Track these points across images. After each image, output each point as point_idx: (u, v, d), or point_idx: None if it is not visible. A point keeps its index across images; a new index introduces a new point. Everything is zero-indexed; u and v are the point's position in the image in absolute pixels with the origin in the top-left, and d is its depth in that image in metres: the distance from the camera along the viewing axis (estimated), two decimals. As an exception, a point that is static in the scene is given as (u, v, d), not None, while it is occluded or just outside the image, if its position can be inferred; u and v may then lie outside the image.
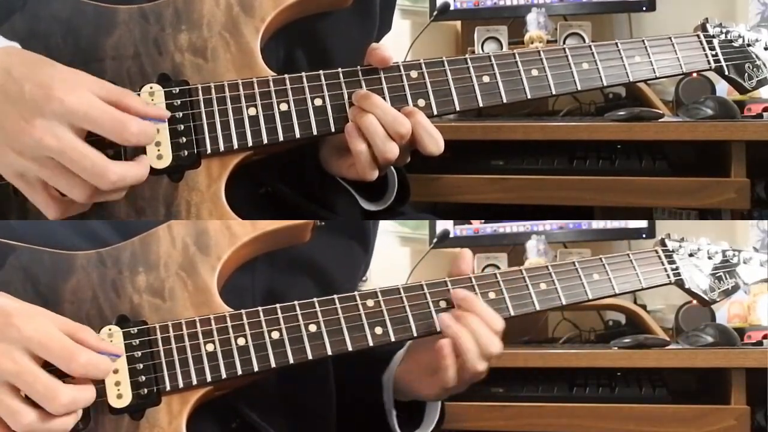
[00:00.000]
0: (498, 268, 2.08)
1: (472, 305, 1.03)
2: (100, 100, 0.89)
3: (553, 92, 1.07)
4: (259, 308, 0.99)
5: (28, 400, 0.86)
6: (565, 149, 1.88)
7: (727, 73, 1.16)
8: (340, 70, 1.02)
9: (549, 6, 2.10)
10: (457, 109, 1.04)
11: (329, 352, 0.99)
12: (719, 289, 1.22)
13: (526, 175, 1.86)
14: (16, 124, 0.87)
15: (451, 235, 2.11)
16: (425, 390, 1.09)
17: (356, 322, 1.01)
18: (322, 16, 1.08)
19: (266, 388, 1.04)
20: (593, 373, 1.90)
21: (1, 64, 0.89)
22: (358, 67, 1.02)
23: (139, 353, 0.95)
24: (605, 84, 1.09)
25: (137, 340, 0.95)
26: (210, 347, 0.97)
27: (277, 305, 0.99)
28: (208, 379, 0.96)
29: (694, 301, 1.69)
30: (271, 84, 1.00)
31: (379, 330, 1.02)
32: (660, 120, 1.84)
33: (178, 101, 0.98)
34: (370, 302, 1.03)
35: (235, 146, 0.98)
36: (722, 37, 1.16)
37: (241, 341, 0.97)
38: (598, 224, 2.13)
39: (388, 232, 2.35)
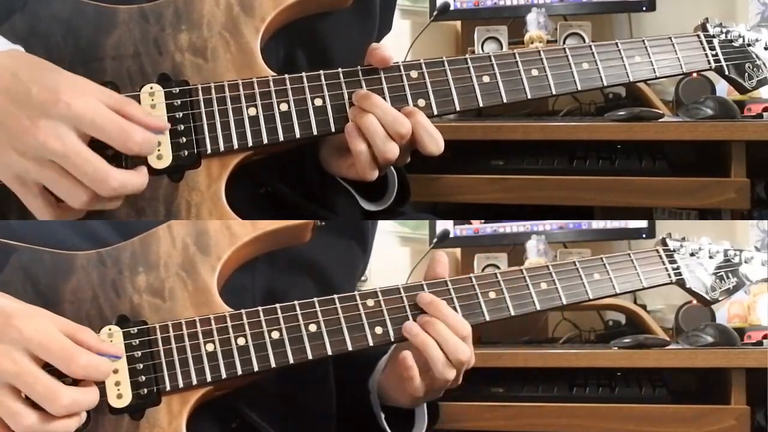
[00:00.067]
0: (498, 268, 2.08)
1: (438, 311, 1.03)
2: (106, 107, 0.89)
3: (553, 92, 1.07)
4: (259, 308, 0.99)
5: (29, 402, 0.86)
6: (565, 149, 1.88)
7: (727, 73, 1.16)
8: (340, 70, 1.02)
9: (549, 6, 2.10)
10: (458, 109, 1.04)
11: (329, 352, 1.00)
12: (721, 288, 1.22)
13: (526, 175, 1.86)
14: (20, 124, 0.87)
15: (451, 235, 2.11)
16: (400, 398, 1.09)
17: (356, 322, 1.01)
18: (322, 16, 1.08)
19: (266, 388, 1.04)
20: (593, 373, 1.90)
21: (8, 66, 0.89)
22: (359, 67, 1.02)
23: (139, 353, 0.95)
24: (605, 84, 1.09)
25: (137, 340, 0.95)
26: (210, 347, 0.97)
27: (277, 305, 0.99)
28: (208, 379, 0.96)
29: (694, 301, 1.69)
30: (271, 84, 1.00)
31: (379, 330, 1.02)
32: (660, 120, 1.84)
33: (178, 101, 0.98)
34: (370, 302, 1.03)
35: (236, 146, 0.98)
36: (722, 37, 1.16)
37: (241, 341, 0.97)
38: (598, 224, 2.13)
39: (388, 232, 2.35)
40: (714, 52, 1.15)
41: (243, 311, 0.98)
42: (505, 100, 1.05)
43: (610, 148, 1.88)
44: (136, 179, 0.92)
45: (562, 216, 2.10)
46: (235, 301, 1.00)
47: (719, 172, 1.82)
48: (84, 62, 0.97)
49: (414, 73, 1.03)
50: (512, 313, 1.07)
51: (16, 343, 0.86)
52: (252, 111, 0.99)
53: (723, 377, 1.82)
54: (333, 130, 1.01)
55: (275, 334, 0.98)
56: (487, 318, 1.06)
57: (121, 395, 0.93)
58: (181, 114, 0.98)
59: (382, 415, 1.11)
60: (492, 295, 1.07)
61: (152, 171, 0.96)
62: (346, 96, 1.01)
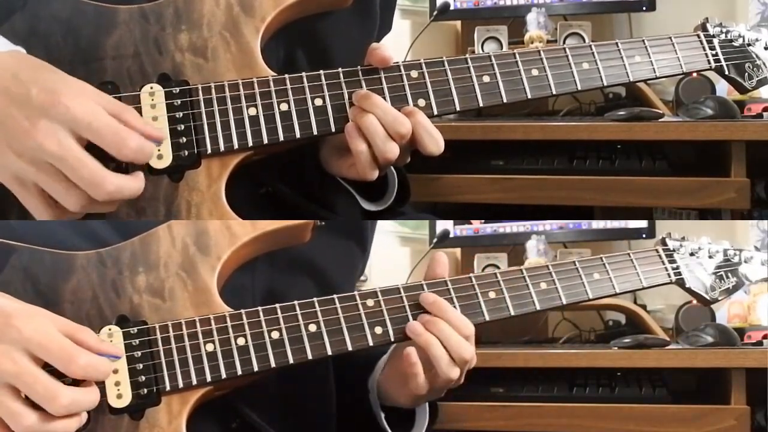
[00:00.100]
0: (498, 268, 2.08)
1: (441, 310, 1.03)
2: (104, 111, 0.89)
3: (554, 92, 1.07)
4: (259, 308, 0.99)
5: (29, 402, 0.86)
6: (565, 149, 1.88)
7: (727, 72, 1.16)
8: (340, 70, 1.02)
9: (549, 6, 2.10)
10: (458, 108, 1.04)
11: (329, 352, 0.99)
12: (720, 288, 1.22)
13: (526, 175, 1.86)
14: (19, 125, 0.87)
15: (451, 235, 2.11)
16: (400, 397, 1.09)
17: (356, 322, 1.01)
18: (322, 16, 1.08)
19: (266, 388, 1.04)
20: (593, 373, 1.90)
21: (8, 67, 0.89)
22: (359, 67, 1.02)
23: (139, 353, 0.95)
24: (605, 84, 1.09)
25: (137, 340, 0.95)
26: (210, 347, 0.97)
27: (277, 305, 0.99)
28: (208, 379, 0.96)
29: (694, 301, 1.69)
30: (272, 84, 1.00)
31: (379, 330, 1.02)
32: (660, 120, 1.84)
33: (179, 101, 0.98)
34: (370, 302, 1.03)
35: (236, 146, 0.98)
36: (722, 36, 1.16)
37: (241, 341, 0.97)
38: (598, 224, 2.13)
39: (388, 232, 2.35)
40: (714, 52, 1.15)
41: (243, 311, 0.98)
42: (505, 100, 1.05)
43: (610, 148, 1.88)
44: (131, 184, 0.92)
45: (562, 216, 2.09)
46: (235, 301, 1.00)
47: (719, 172, 1.82)
48: (84, 62, 0.97)
49: (414, 73, 1.03)
50: (512, 313, 1.07)
51: (16, 343, 0.86)
52: (252, 111, 0.99)
53: (723, 377, 1.82)
54: (333, 130, 1.01)
55: (275, 334, 0.98)
56: (487, 318, 1.06)
57: (120, 395, 0.93)
58: (181, 114, 0.98)
59: (382, 415, 1.11)
60: (492, 295, 1.07)
61: (152, 171, 0.96)
62: (346, 96, 1.01)
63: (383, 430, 1.10)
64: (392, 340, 1.02)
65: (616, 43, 1.10)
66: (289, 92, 1.00)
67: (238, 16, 1.01)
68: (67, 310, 0.95)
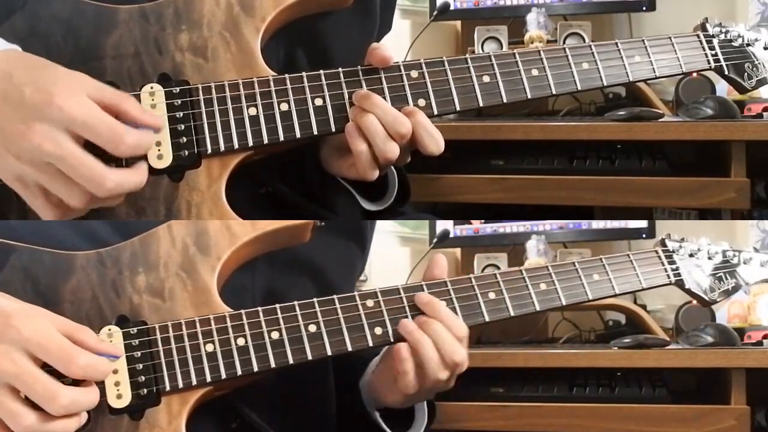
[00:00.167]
0: (498, 268, 2.08)
1: (435, 311, 1.02)
2: (99, 108, 0.89)
3: (553, 92, 1.07)
4: (259, 308, 0.99)
5: (29, 402, 0.86)
6: (565, 149, 1.88)
7: (726, 72, 1.16)
8: (340, 69, 1.02)
9: (549, 6, 2.10)
10: (458, 108, 1.04)
11: (329, 353, 0.99)
12: (719, 289, 1.22)
13: (526, 175, 1.86)
14: (15, 128, 0.87)
15: (451, 235, 2.11)
16: (389, 396, 1.08)
17: (356, 322, 1.01)
18: (322, 16, 1.08)
19: (266, 388, 1.04)
20: (593, 373, 1.90)
21: (3, 67, 0.89)
22: (359, 66, 1.02)
23: (139, 353, 0.95)
24: (605, 84, 1.09)
25: (137, 341, 0.95)
26: (210, 347, 0.97)
27: (277, 305, 0.99)
28: (208, 379, 0.96)
29: (694, 301, 1.69)
30: (272, 84, 1.00)
31: (378, 330, 1.02)
32: (660, 120, 1.84)
33: (179, 101, 0.98)
34: (369, 302, 1.03)
35: (236, 146, 0.98)
36: (722, 36, 1.16)
37: (241, 341, 0.97)
38: (598, 224, 2.13)
39: (388, 232, 2.35)
40: (713, 52, 1.15)
41: (243, 311, 0.98)
42: (505, 100, 1.05)
43: (610, 148, 1.88)
44: (133, 178, 0.92)
45: (562, 216, 2.09)
46: (235, 301, 1.00)
47: (719, 172, 1.82)
48: (84, 62, 0.97)
49: (414, 73, 1.03)
50: (512, 314, 1.07)
51: (15, 344, 0.86)
52: (252, 111, 0.99)
53: (723, 377, 1.82)
54: (333, 129, 1.01)
55: (275, 335, 0.98)
56: (487, 318, 1.06)
57: (120, 395, 0.93)
58: (181, 114, 0.98)
59: (377, 414, 1.10)
60: (492, 295, 1.07)
61: (152, 171, 0.96)
62: (346, 96, 1.01)
63: (381, 430, 1.10)
64: (392, 340, 1.02)
65: (616, 43, 1.10)
66: (290, 92, 1.00)
67: (239, 16, 1.01)
68: (66, 310, 0.95)
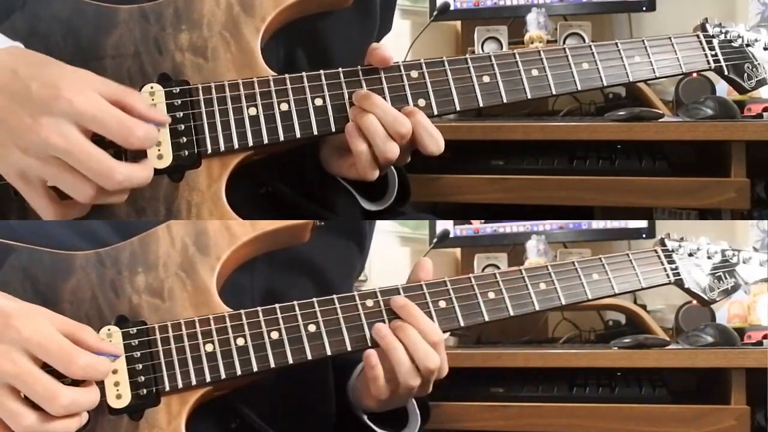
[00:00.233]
0: (498, 268, 2.08)
1: (409, 315, 1.02)
2: (106, 101, 0.89)
3: (553, 92, 1.07)
4: (259, 308, 0.99)
5: (29, 402, 0.86)
6: (565, 149, 1.88)
7: (726, 73, 1.16)
8: (340, 69, 1.02)
9: (549, 6, 2.10)
10: (458, 109, 1.04)
11: (328, 352, 1.00)
12: (719, 288, 1.22)
13: (526, 175, 1.86)
14: (22, 122, 0.87)
15: (451, 235, 2.11)
16: (366, 400, 1.08)
17: (355, 322, 1.01)
18: (322, 16, 1.08)
19: (266, 388, 1.04)
20: (593, 373, 1.90)
21: (7, 63, 0.89)
22: (359, 66, 1.03)
23: (138, 353, 0.95)
24: (605, 84, 1.09)
25: (136, 341, 0.95)
26: (209, 347, 0.97)
27: (277, 305, 0.99)
28: (208, 379, 0.96)
29: (694, 301, 1.68)
30: (272, 84, 1.00)
31: (378, 330, 1.02)
32: (660, 120, 1.84)
33: (179, 101, 0.98)
34: (369, 302, 1.03)
35: (236, 146, 0.98)
36: (722, 37, 1.16)
37: (240, 341, 0.97)
38: (598, 224, 2.13)
39: (388, 232, 2.35)
40: (713, 53, 1.15)
41: (242, 311, 0.98)
42: (505, 100, 1.05)
43: (610, 148, 1.88)
44: (141, 172, 0.92)
45: (562, 216, 2.09)
46: (235, 301, 1.00)
47: (719, 172, 1.82)
48: (84, 62, 0.97)
49: (414, 73, 1.03)
50: (511, 314, 1.07)
51: (15, 344, 0.86)
52: (252, 111, 0.99)
53: (723, 377, 1.82)
54: (333, 129, 1.01)
55: (274, 335, 0.98)
56: (486, 318, 1.06)
57: (120, 395, 0.94)
58: (181, 114, 0.98)
59: (365, 416, 1.10)
60: (491, 295, 1.07)
61: (152, 171, 0.96)
62: (346, 96, 1.01)
63: (372, 430, 1.10)
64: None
65: (616, 44, 1.10)
66: (290, 92, 1.00)
67: (239, 16, 1.01)
68: (66, 310, 0.95)
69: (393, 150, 1.00)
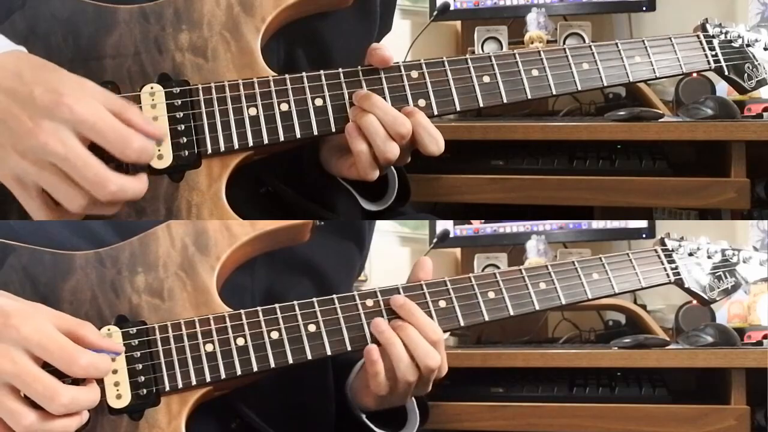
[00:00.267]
0: (498, 268, 2.08)
1: (409, 314, 1.02)
2: (108, 111, 0.89)
3: (554, 92, 1.07)
4: (258, 308, 0.99)
5: (29, 401, 0.86)
6: (565, 149, 1.88)
7: (726, 73, 1.16)
8: (340, 70, 1.02)
9: (549, 6, 2.10)
10: (458, 109, 1.04)
11: (328, 352, 1.00)
12: (719, 288, 1.22)
13: (526, 175, 1.85)
14: (22, 125, 0.87)
15: (451, 235, 2.11)
16: (365, 398, 1.08)
17: (355, 321, 1.01)
18: (322, 16, 1.08)
19: (266, 388, 1.04)
20: (593, 373, 1.90)
21: (11, 67, 0.89)
22: (359, 67, 1.03)
23: (138, 353, 0.95)
24: (605, 84, 1.09)
25: (136, 341, 0.95)
26: (209, 347, 0.97)
27: (277, 305, 1.00)
28: (208, 379, 0.96)
29: (694, 301, 1.68)
30: (272, 84, 1.00)
31: (378, 330, 1.02)
32: (660, 120, 1.84)
33: (179, 101, 0.98)
34: (369, 302, 1.03)
35: (236, 146, 0.98)
36: (722, 37, 1.16)
37: (240, 341, 0.97)
38: (598, 224, 2.13)
39: (388, 232, 2.35)
40: (714, 53, 1.15)
41: (242, 311, 0.98)
42: (505, 100, 1.05)
43: (610, 148, 1.88)
44: (135, 185, 0.92)
45: (562, 216, 2.09)
46: (235, 301, 1.00)
47: (719, 172, 1.82)
48: (84, 62, 0.97)
49: (414, 73, 1.03)
50: (511, 313, 1.07)
51: (15, 343, 0.86)
52: (252, 111, 0.99)
53: (723, 377, 1.82)
54: (333, 130, 1.01)
55: (274, 335, 0.98)
56: (486, 318, 1.06)
57: (120, 395, 0.94)
58: (181, 114, 0.98)
59: (363, 416, 1.10)
60: (491, 295, 1.07)
61: (153, 171, 0.96)
62: (346, 96, 1.01)
63: (370, 430, 1.10)
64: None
65: (616, 44, 1.10)
66: (290, 92, 1.00)
67: (239, 16, 1.01)
68: (66, 310, 0.95)
69: (393, 150, 1.00)
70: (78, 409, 0.88)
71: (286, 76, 1.01)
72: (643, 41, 1.11)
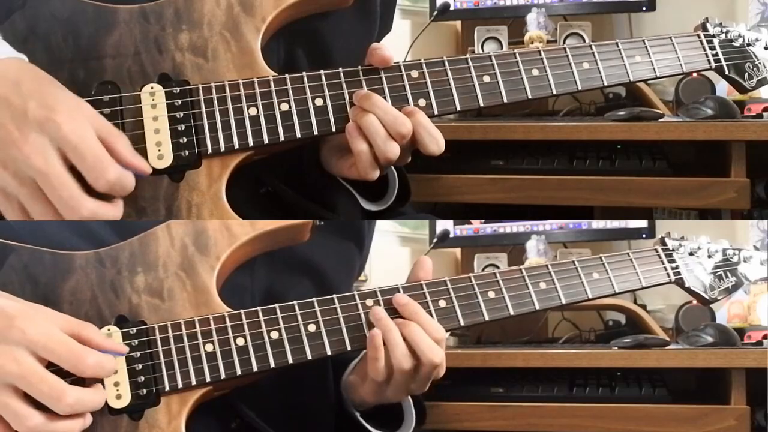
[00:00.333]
0: (498, 268, 2.08)
1: (412, 313, 1.02)
2: (95, 136, 0.89)
3: (554, 92, 1.07)
4: (258, 308, 0.99)
5: (32, 403, 0.86)
6: (565, 149, 1.88)
7: (727, 72, 1.16)
8: (340, 69, 1.02)
9: (549, 6, 2.10)
10: (458, 108, 1.04)
11: (328, 352, 1.00)
12: (720, 287, 1.22)
13: (526, 175, 1.85)
14: (9, 135, 0.87)
15: (451, 235, 2.11)
16: (361, 392, 1.08)
17: (355, 321, 1.01)
18: (322, 16, 1.08)
19: (265, 388, 1.04)
20: (593, 373, 1.90)
21: (12, 75, 0.89)
22: (359, 66, 1.02)
23: (138, 354, 0.95)
24: (606, 84, 1.09)
25: (136, 341, 0.95)
26: (209, 347, 0.96)
27: (276, 305, 0.99)
28: (207, 379, 0.96)
29: (694, 301, 1.69)
30: (272, 84, 1.00)
31: (378, 330, 1.02)
32: (660, 120, 1.84)
33: (179, 101, 0.98)
34: (369, 302, 1.03)
35: (236, 146, 0.98)
36: (722, 36, 1.16)
37: (240, 341, 0.97)
38: (598, 224, 2.13)
39: (388, 232, 2.35)
40: (714, 52, 1.15)
41: (242, 311, 0.98)
42: (505, 100, 1.05)
43: (610, 148, 1.88)
44: (108, 211, 0.91)
45: (562, 216, 2.09)
46: (234, 301, 1.00)
47: (719, 172, 1.82)
48: (84, 61, 0.97)
49: (414, 73, 1.03)
50: (511, 313, 1.07)
51: (19, 344, 0.86)
52: (253, 111, 0.99)
53: (723, 377, 1.82)
54: (334, 129, 1.01)
55: (274, 335, 0.98)
56: (487, 318, 1.06)
57: (120, 396, 0.93)
58: (181, 114, 0.98)
59: (357, 414, 1.10)
60: (491, 294, 1.07)
61: (153, 171, 0.96)
62: (346, 96, 1.01)
63: (365, 429, 1.10)
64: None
65: (616, 43, 1.10)
66: (290, 92, 1.00)
67: (239, 16, 1.01)
68: (66, 310, 0.95)
69: (393, 150, 1.00)
70: (83, 410, 0.88)
71: (286, 75, 1.01)
72: (643, 41, 1.11)
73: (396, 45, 1.14)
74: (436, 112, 1.03)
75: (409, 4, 2.27)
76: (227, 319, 0.98)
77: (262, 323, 0.98)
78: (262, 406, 1.04)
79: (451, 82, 1.04)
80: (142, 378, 0.94)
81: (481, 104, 1.04)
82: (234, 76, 1.00)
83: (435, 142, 1.01)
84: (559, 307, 1.11)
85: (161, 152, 0.96)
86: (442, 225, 2.12)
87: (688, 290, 1.20)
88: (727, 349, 1.84)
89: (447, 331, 1.04)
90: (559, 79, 1.07)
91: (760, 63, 1.17)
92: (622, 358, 1.85)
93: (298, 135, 1.00)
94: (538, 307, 1.08)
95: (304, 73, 1.01)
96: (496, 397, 1.87)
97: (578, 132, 1.85)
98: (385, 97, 1.01)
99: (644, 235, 2.08)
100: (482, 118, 1.92)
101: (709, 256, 1.22)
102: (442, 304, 1.05)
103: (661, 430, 1.80)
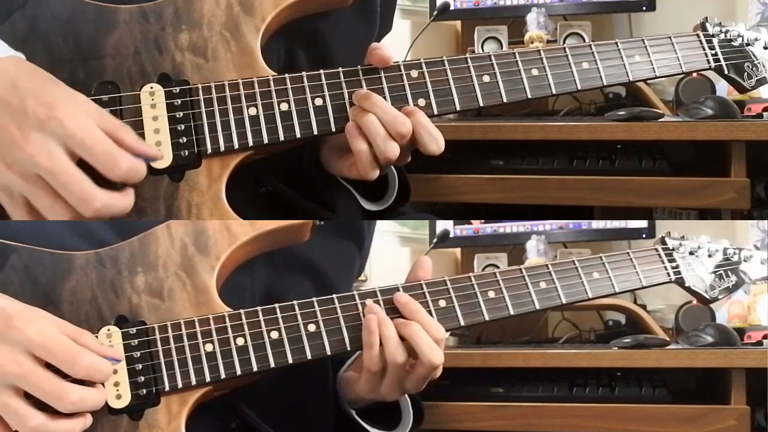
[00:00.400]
0: (498, 268, 2.08)
1: (413, 312, 1.02)
2: (99, 129, 0.89)
3: (554, 92, 1.07)
4: (258, 308, 0.99)
5: (33, 403, 0.86)
6: (565, 149, 1.88)
7: (726, 72, 1.16)
8: (340, 69, 1.02)
9: (549, 6, 2.10)
10: (458, 108, 1.04)
11: (328, 352, 1.00)
12: (720, 287, 1.22)
13: (526, 175, 1.85)
14: (11, 136, 0.87)
15: (451, 235, 2.11)
16: (356, 388, 1.07)
17: (355, 321, 1.01)
18: (322, 16, 1.08)
19: (265, 388, 1.04)
20: (593, 373, 1.90)
21: (8, 74, 0.89)
22: (359, 66, 1.02)
23: (138, 354, 0.95)
24: (605, 83, 1.09)
25: (136, 341, 0.95)
26: (209, 347, 0.97)
27: (276, 305, 0.99)
28: (207, 379, 0.96)
29: (694, 301, 1.69)
30: (272, 84, 1.00)
31: (378, 330, 1.02)
32: (660, 120, 1.84)
33: (179, 101, 0.98)
34: (369, 302, 1.02)
35: (236, 146, 0.98)
36: (722, 36, 1.16)
37: (240, 341, 0.97)
38: (598, 224, 2.13)
39: (388, 232, 2.35)
40: (713, 52, 1.15)
41: (242, 311, 0.98)
42: (505, 100, 1.05)
43: (610, 148, 1.88)
44: (121, 201, 0.92)
45: (562, 216, 2.09)
46: (234, 301, 1.00)
47: (719, 172, 1.82)
48: (84, 61, 0.97)
49: (414, 73, 1.03)
50: (511, 313, 1.07)
51: (18, 345, 0.86)
52: (252, 111, 0.99)
53: (723, 377, 1.82)
54: (333, 129, 1.01)
55: (274, 334, 0.98)
56: (487, 317, 1.06)
57: (120, 396, 0.93)
58: (181, 114, 0.98)
59: (353, 411, 1.10)
60: (491, 294, 1.07)
61: (153, 171, 0.96)
62: (346, 96, 1.01)
63: (363, 429, 1.10)
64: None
65: (616, 43, 1.10)
66: (290, 92, 1.00)
67: (239, 16, 1.01)
68: (65, 310, 0.95)
69: (393, 150, 1.00)
70: (85, 409, 0.88)
71: (286, 75, 1.01)
72: (642, 40, 1.11)
73: (396, 45, 1.14)
74: (435, 112, 1.03)
75: (409, 4, 2.27)
76: (227, 319, 0.98)
77: (262, 323, 0.98)
78: (262, 406, 1.04)
79: (451, 81, 1.04)
80: (142, 378, 0.94)
81: (481, 104, 1.04)
82: (234, 76, 1.00)
83: (435, 141, 1.01)
84: (559, 306, 1.11)
85: (161, 152, 0.96)
86: (442, 225, 2.12)
87: (689, 289, 1.20)
88: (727, 349, 1.84)
89: (447, 330, 1.04)
90: (558, 78, 1.07)
91: (759, 63, 1.17)
92: (622, 358, 1.85)
93: (298, 135, 1.00)
94: (538, 307, 1.08)
95: (303, 73, 1.01)
96: (496, 397, 1.87)
97: (578, 132, 1.85)
98: (384, 97, 1.01)
99: (644, 235, 2.08)
100: (482, 118, 1.92)
101: (710, 256, 1.22)
102: (442, 303, 1.05)
103: (661, 430, 1.80)
